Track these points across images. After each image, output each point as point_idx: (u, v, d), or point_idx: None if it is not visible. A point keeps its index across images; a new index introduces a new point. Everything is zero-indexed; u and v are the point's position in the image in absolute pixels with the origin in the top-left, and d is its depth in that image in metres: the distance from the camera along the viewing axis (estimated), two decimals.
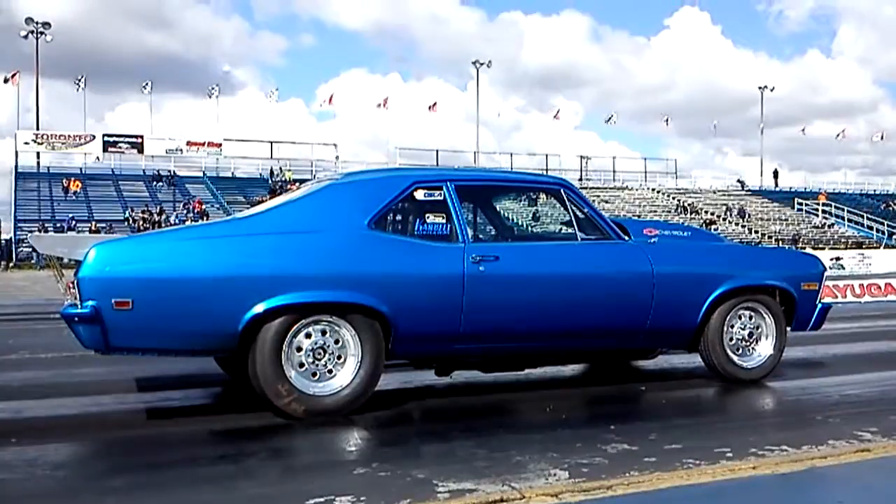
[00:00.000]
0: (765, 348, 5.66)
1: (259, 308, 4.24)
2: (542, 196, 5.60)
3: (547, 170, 52.97)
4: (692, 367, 6.17)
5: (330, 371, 4.50)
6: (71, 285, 4.23)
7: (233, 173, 47.91)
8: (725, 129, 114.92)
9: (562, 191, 5.27)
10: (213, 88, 54.13)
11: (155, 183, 43.61)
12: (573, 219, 5.19)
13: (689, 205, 48.45)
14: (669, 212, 46.66)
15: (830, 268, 26.71)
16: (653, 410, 5.12)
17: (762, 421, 4.81)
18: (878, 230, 46.09)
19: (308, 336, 4.43)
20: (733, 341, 5.53)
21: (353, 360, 4.49)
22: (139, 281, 4.13)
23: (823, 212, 49.27)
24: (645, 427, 4.48)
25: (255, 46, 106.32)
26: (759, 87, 63.96)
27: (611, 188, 53.02)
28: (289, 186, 44.66)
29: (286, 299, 4.28)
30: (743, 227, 45.67)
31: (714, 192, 54.21)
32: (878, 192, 59.17)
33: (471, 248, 4.73)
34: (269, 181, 45.81)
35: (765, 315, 5.62)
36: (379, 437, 4.37)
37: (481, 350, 5.03)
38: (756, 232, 44.46)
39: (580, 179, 52.33)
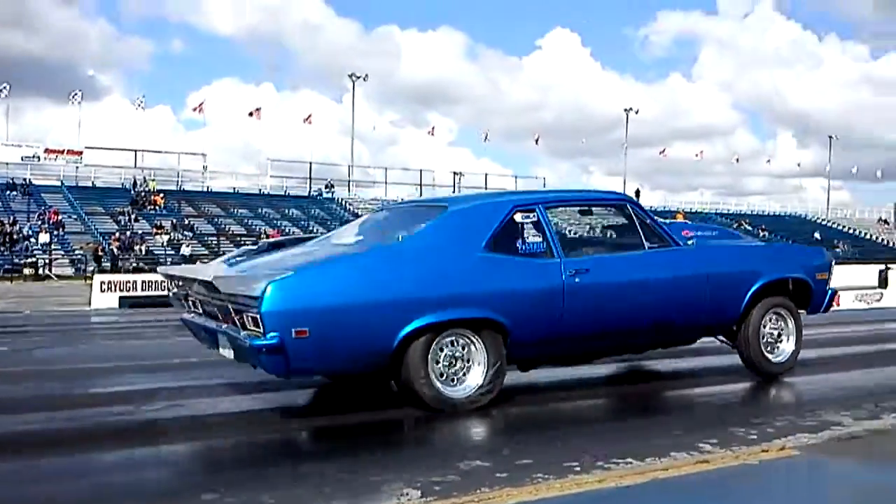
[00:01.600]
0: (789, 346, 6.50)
1: (409, 328, 4.91)
2: (612, 210, 6.38)
3: (421, 185, 53.42)
4: (542, 381, 6.34)
5: (462, 375, 5.22)
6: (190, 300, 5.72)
7: (93, 183, 45.60)
8: (592, 149, 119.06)
9: (627, 205, 6.14)
10: (74, 93, 51.45)
11: (8, 192, 41.01)
12: (639, 229, 5.96)
13: (554, 224, 49.82)
14: None
15: None
16: (507, 426, 5.19)
17: (611, 433, 4.94)
18: None
19: (443, 348, 5.14)
20: (764, 338, 6.33)
21: (481, 367, 5.23)
22: (314, 311, 4.67)
23: None
24: (499, 443, 4.54)
25: (122, 50, 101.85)
26: (625, 109, 66.69)
27: None
28: (153, 198, 43.10)
29: (430, 318, 4.97)
30: None
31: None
32: (731, 212, 62.92)
33: (566, 263, 5.50)
34: (132, 192, 43.95)
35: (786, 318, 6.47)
36: (227, 460, 4.25)
37: (578, 349, 5.85)
38: None
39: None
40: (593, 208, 6.61)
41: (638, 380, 6.94)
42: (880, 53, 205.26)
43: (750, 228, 55.52)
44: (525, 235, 5.53)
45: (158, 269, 7.19)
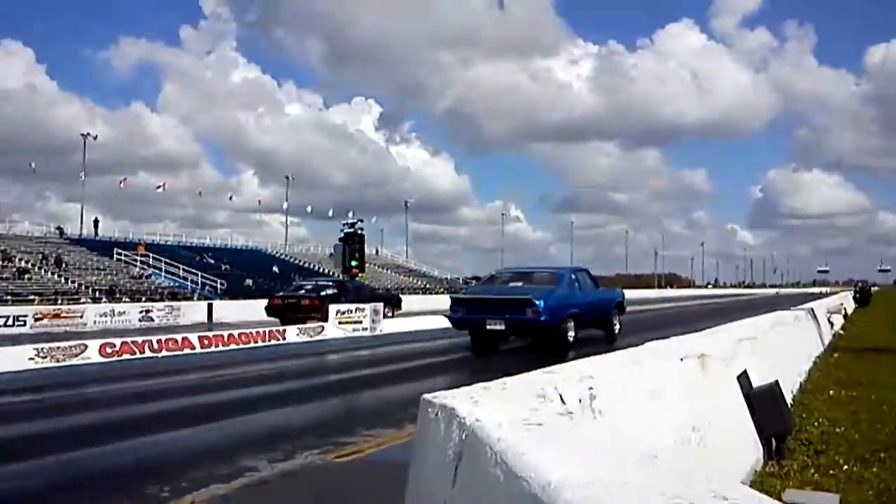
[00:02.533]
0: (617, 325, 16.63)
1: (569, 311, 14.30)
2: (585, 272, 16.81)
3: None
4: None
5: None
6: None
7: None
8: (49, 174, 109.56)
9: (588, 271, 16.95)
10: None
11: None
12: (593, 281, 16.53)
13: (2, 251, 44.55)
14: None
15: (140, 321, 27.28)
16: None
17: None
18: (192, 281, 49.16)
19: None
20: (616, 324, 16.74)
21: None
22: (551, 307, 13.47)
23: (142, 262, 50.58)
24: None
25: None
26: (83, 134, 62.99)
27: None
28: None
29: (573, 310, 14.45)
30: (60, 276, 43.91)
31: (31, 240, 51.08)
32: (195, 245, 63.35)
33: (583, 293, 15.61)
34: None
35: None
36: None
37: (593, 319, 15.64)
38: (73, 282, 43.17)
39: None
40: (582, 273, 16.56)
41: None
42: (332, 103, 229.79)
43: (213, 262, 56.55)
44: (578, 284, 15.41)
45: (454, 296, 16.81)
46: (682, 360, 4.64)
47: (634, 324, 18.83)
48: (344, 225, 20.34)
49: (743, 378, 5.69)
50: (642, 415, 3.77)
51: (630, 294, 26.40)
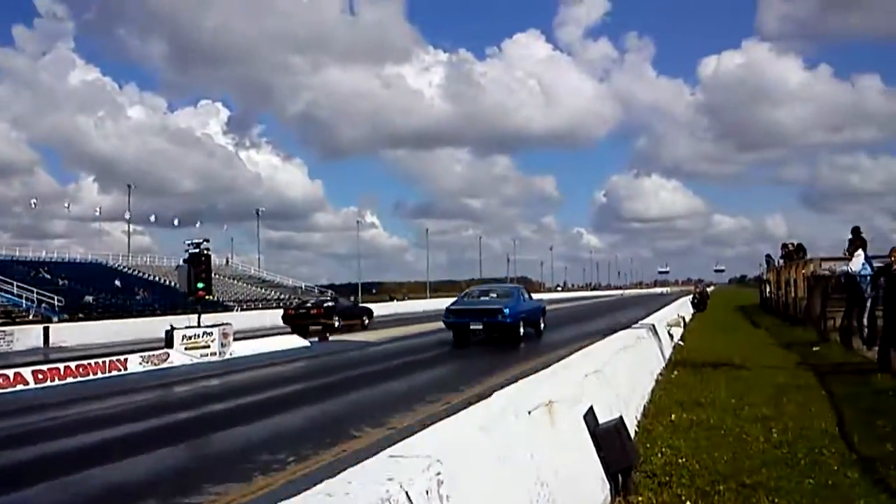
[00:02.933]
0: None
1: (521, 316, 21.77)
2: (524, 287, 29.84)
3: None
4: None
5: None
6: None
7: None
8: None
9: (524, 288, 27.68)
10: None
11: None
12: (528, 295, 24.48)
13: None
14: None
15: None
16: None
17: None
18: (27, 298, 45.98)
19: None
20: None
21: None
22: (514, 313, 20.42)
23: None
24: None
25: None
26: None
27: None
28: None
29: (523, 315, 21.82)
30: None
31: None
32: (29, 259, 59.20)
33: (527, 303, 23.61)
34: None
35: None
36: None
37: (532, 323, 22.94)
38: None
39: None
40: (523, 289, 25.48)
41: None
42: (177, 106, 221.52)
43: (49, 277, 53.17)
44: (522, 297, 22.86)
45: (448, 307, 21.54)
46: (530, 413, 4.66)
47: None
48: (189, 245, 19.42)
49: (589, 416, 5.79)
50: (492, 483, 3.73)
51: None
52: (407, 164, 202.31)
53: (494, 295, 21.94)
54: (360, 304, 35.53)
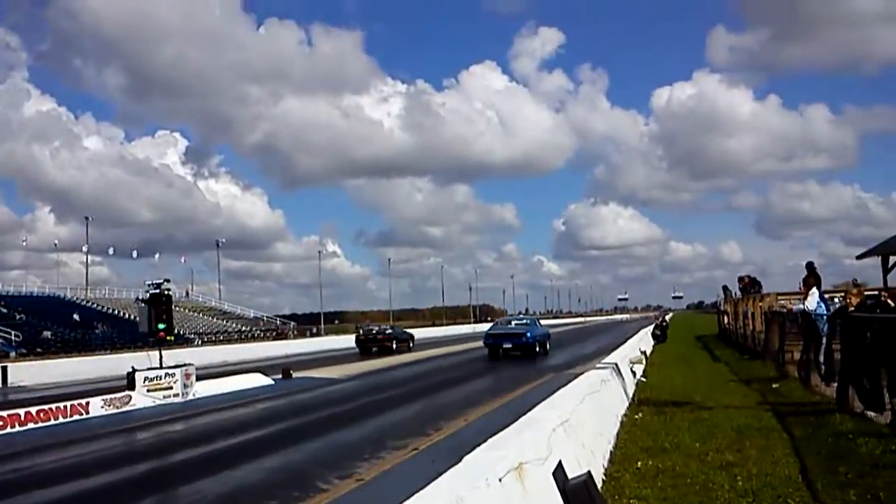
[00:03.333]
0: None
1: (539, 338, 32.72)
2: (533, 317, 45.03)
3: None
4: None
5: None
6: None
7: None
8: None
9: (536, 318, 41.39)
10: None
11: None
12: (537, 321, 36.86)
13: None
14: None
15: None
16: None
17: None
18: None
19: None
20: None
21: None
22: (535, 336, 31.67)
23: None
24: None
25: None
26: None
27: None
28: None
29: (540, 339, 32.64)
30: None
31: None
32: None
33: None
34: None
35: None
36: None
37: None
38: None
39: None
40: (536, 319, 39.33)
41: None
42: (134, 136, 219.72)
43: (6, 311, 52.07)
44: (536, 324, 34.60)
45: (488, 332, 33.31)
46: (500, 480, 4.70)
47: None
48: (149, 285, 19.22)
49: (558, 472, 5.84)
50: None
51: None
52: (368, 193, 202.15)
53: (518, 323, 33.68)
54: (406, 331, 44.60)
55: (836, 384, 11.87)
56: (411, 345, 40.95)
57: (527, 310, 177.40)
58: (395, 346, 38.68)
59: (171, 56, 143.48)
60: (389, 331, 41.98)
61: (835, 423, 9.47)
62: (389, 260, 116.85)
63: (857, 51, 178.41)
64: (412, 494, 3.78)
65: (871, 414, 9.79)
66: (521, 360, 27.94)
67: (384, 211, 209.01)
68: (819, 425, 9.49)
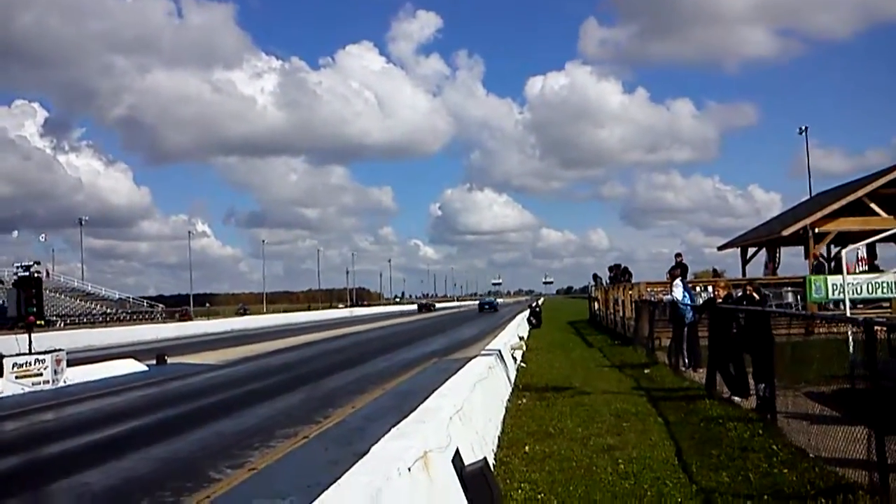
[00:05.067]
0: None
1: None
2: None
3: None
4: None
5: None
6: None
7: None
8: None
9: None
10: None
11: None
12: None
13: None
14: None
15: None
16: None
17: None
18: None
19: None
20: None
21: None
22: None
23: None
24: None
25: None
26: None
27: None
28: None
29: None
30: None
31: None
32: None
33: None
34: None
35: None
36: None
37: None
38: None
39: None
40: None
41: None
42: None
43: None
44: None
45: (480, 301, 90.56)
46: (409, 469, 4.86)
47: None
48: (18, 268, 18.20)
49: (457, 459, 6.08)
50: None
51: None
52: (240, 171, 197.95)
53: (488, 298, 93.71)
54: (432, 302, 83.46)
55: (703, 370, 12.71)
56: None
57: (403, 293, 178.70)
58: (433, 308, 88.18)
59: (30, 22, 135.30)
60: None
61: (705, 408, 10.16)
62: (263, 241, 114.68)
63: (720, 49, 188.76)
64: (312, 483, 3.86)
65: (737, 399, 10.56)
66: (409, 346, 28.26)
67: (257, 191, 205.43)
68: (690, 410, 10.16)
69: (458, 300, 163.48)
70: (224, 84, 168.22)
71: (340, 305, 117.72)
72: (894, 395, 5.84)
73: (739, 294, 12.24)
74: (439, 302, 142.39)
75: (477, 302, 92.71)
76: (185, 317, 72.94)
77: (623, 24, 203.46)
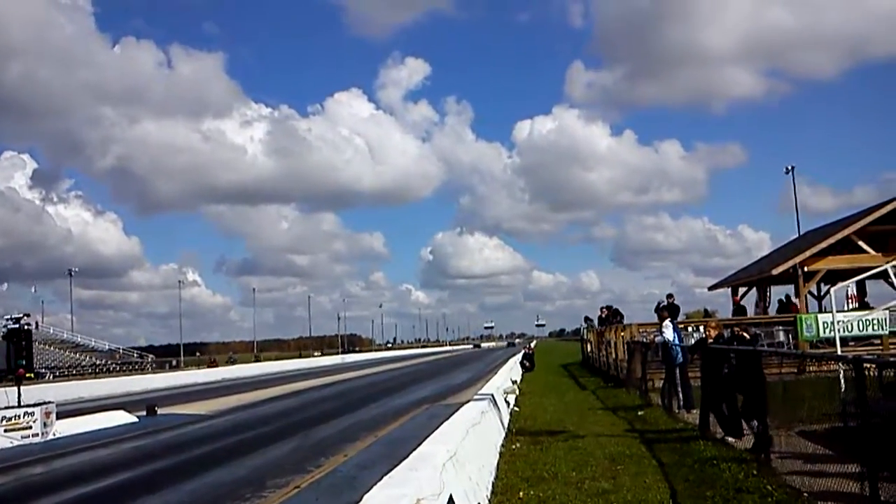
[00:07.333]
0: None
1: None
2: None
3: None
4: None
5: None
6: None
7: None
8: None
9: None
10: None
11: None
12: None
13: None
14: None
15: None
16: None
17: None
18: None
19: None
20: None
21: None
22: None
23: None
24: None
25: None
26: None
27: None
28: None
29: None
30: None
31: None
32: None
33: None
34: None
35: None
36: None
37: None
38: None
39: None
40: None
41: None
42: None
43: None
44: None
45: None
46: None
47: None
48: (7, 320, 18.14)
49: None
50: None
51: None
52: (230, 220, 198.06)
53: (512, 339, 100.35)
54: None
55: (696, 411, 12.68)
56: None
57: (395, 339, 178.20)
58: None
59: (19, 74, 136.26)
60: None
61: (699, 450, 10.12)
62: (254, 289, 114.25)
63: (707, 90, 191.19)
64: None
65: (730, 439, 10.53)
66: (401, 392, 28.17)
67: (247, 239, 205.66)
68: (685, 452, 10.12)
69: (449, 344, 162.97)
70: (214, 133, 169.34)
71: (330, 352, 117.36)
72: (885, 432, 5.86)
73: (728, 335, 12.27)
74: (430, 347, 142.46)
75: (470, 346, 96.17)
76: (212, 364, 76.04)
77: (609, 67, 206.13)
